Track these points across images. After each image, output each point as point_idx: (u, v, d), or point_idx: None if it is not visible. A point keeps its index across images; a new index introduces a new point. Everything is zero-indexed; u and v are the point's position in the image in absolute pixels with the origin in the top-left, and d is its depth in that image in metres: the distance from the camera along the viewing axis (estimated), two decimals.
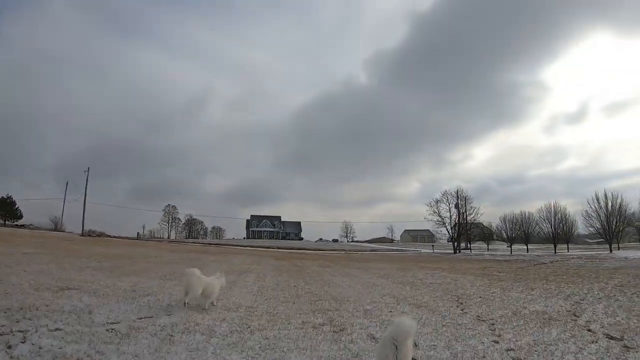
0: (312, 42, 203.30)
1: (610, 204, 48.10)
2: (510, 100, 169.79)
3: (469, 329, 6.86)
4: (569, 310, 8.56)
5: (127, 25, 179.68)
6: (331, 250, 67.68)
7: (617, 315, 7.89)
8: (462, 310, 8.72)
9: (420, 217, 72.56)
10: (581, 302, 9.77)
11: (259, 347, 5.51)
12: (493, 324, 7.22)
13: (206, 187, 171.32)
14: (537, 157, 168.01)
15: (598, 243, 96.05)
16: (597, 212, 49.19)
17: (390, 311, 8.40)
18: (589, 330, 6.80)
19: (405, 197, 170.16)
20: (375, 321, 7.35)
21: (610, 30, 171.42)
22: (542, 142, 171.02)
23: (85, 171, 78.20)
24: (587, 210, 51.57)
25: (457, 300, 10.07)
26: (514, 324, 7.28)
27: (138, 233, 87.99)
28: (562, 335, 6.43)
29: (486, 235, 77.50)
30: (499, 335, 6.39)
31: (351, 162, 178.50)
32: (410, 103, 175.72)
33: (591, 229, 52.63)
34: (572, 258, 34.25)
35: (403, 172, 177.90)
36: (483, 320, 7.55)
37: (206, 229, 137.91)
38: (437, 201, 69.33)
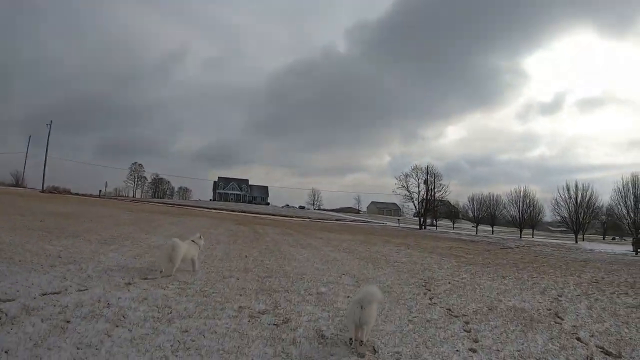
0: (294, 7, 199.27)
1: (580, 195, 48.63)
2: (488, 84, 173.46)
3: (440, 328, 5.61)
4: (550, 309, 7.50)
5: None
6: (296, 217, 66.69)
7: (605, 321, 6.86)
8: (430, 299, 7.51)
9: (389, 189, 72.51)
10: (559, 298, 8.81)
11: (170, 347, 4.08)
12: (467, 323, 6.00)
13: (176, 146, 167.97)
14: (509, 142, 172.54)
15: (561, 231, 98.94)
16: (566, 202, 49.67)
17: (348, 296, 7.08)
18: (579, 339, 5.70)
19: (375, 169, 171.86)
20: (327, 310, 6.00)
21: (594, 29, 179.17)
22: (515, 128, 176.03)
23: (47, 124, 73.43)
24: (556, 199, 52.02)
25: (425, 286, 8.89)
26: (492, 324, 6.09)
27: (100, 191, 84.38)
28: (550, 346, 5.28)
29: (452, 213, 77.93)
30: (477, 341, 5.15)
31: (324, 131, 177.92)
32: (388, 76, 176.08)
33: (558, 217, 53.03)
34: (538, 245, 34.31)
35: (374, 144, 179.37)
36: (455, 316, 6.33)
37: (173, 189, 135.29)
38: (406, 175, 68.98)
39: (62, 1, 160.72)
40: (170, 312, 5.22)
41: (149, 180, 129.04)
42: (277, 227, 29.42)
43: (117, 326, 4.51)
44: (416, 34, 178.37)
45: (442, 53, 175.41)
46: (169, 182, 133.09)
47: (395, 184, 69.32)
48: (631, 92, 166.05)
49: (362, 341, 4.36)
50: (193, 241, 8.11)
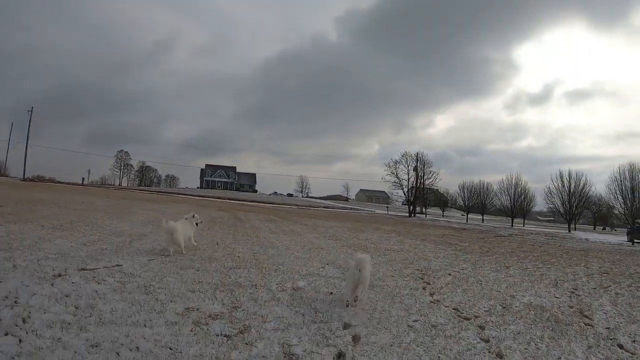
0: None
1: (573, 184, 47.65)
2: (478, 74, 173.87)
3: (450, 337, 4.27)
4: (571, 307, 6.28)
5: None
6: (284, 204, 65.22)
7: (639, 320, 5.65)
8: (431, 295, 6.18)
9: (377, 178, 71.01)
10: (576, 292, 7.63)
11: None
12: (483, 328, 4.69)
13: (165, 134, 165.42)
14: (497, 133, 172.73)
15: (548, 221, 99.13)
16: (560, 191, 48.64)
17: (331, 292, 5.74)
18: (621, 346, 4.53)
19: (364, 158, 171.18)
20: (303, 313, 4.61)
21: (584, 21, 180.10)
22: (503, 119, 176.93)
23: (28, 111, 70.22)
24: (549, 187, 50.98)
25: (422, 279, 7.57)
26: (513, 328, 4.79)
27: (83, 179, 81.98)
28: (593, 358, 4.02)
29: (442, 201, 77.09)
30: (501, 357, 3.84)
31: (313, 119, 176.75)
32: (378, 65, 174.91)
33: (551, 206, 52.07)
34: (531, 233, 33.38)
35: (364, 133, 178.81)
36: (466, 319, 5.01)
37: (160, 177, 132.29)
38: (396, 162, 66.93)
39: None
40: (90, 315, 3.88)
41: (135, 168, 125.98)
42: (261, 213, 28.00)
43: (6, 334, 3.24)
44: (406, 24, 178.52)
45: (432, 43, 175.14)
46: (156, 170, 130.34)
47: (385, 170, 67.70)
48: (619, 84, 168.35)
49: (357, 297, 4.99)
50: (186, 219, 8.15)
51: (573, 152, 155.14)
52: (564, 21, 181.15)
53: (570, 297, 7.12)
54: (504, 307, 5.87)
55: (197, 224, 8.45)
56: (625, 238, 33.94)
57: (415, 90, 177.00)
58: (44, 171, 72.59)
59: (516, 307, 5.98)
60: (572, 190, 47.30)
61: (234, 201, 57.28)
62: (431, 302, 5.75)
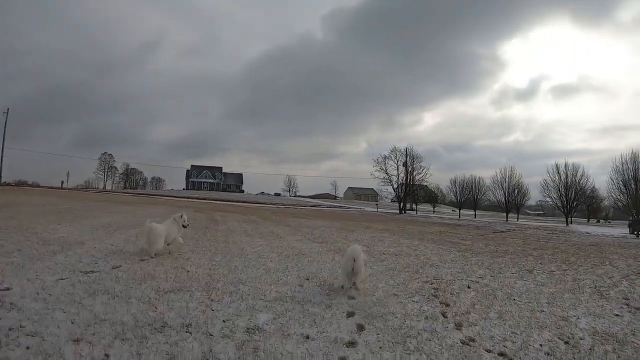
0: None
1: (570, 176, 45.98)
2: (465, 71, 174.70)
3: None
4: None
5: None
6: (270, 204, 62.85)
7: None
8: (458, 328, 4.18)
9: (366, 176, 68.84)
10: (629, 302, 5.80)
11: None
12: None
13: (152, 135, 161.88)
14: (485, 128, 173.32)
15: (538, 214, 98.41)
16: (557, 183, 46.83)
17: (308, 337, 3.72)
18: None
19: (352, 156, 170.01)
20: None
21: (570, 17, 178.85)
22: (491, 115, 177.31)
23: (4, 112, 66.69)
24: (545, 180, 49.21)
25: (437, 296, 5.59)
26: None
27: (62, 182, 79.36)
28: None
29: (432, 197, 75.42)
30: None
31: (301, 118, 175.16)
32: (365, 63, 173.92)
33: (548, 199, 50.32)
34: (529, 228, 31.76)
35: (352, 131, 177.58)
36: None
37: (146, 179, 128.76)
38: (385, 158, 64.57)
39: None
40: None
41: (120, 170, 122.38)
42: (243, 214, 25.82)
43: None
44: (393, 21, 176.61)
45: (420, 40, 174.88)
46: (141, 172, 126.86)
47: (374, 167, 64.97)
48: (605, 79, 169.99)
49: (355, 283, 5.53)
50: (174, 220, 7.90)
51: (560, 146, 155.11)
52: (550, 17, 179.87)
53: (633, 313, 5.26)
54: (567, 342, 3.94)
55: (184, 226, 8.08)
56: (626, 230, 32.48)
57: (402, 88, 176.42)
58: (27, 175, 69.39)
59: (581, 339, 4.08)
60: (569, 182, 45.80)
61: (217, 202, 54.79)
62: (463, 342, 3.75)
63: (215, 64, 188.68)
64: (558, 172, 46.30)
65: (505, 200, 55.08)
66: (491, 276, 7.60)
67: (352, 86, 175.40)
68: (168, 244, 7.59)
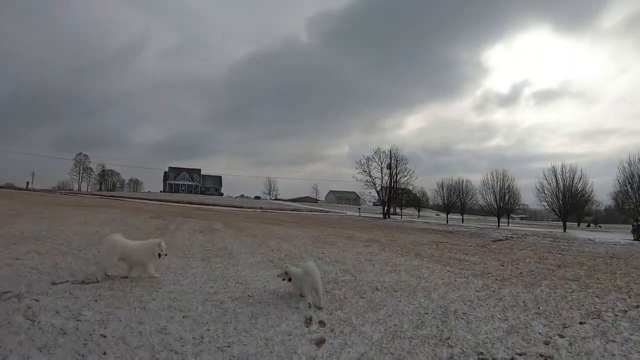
0: None
1: (567, 179, 42.92)
2: (448, 75, 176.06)
3: None
4: None
5: None
6: (247, 207, 59.07)
7: None
8: None
9: (347, 179, 65.22)
10: None
11: None
12: None
13: (133, 137, 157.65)
14: (466, 133, 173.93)
15: (521, 218, 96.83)
16: (554, 187, 43.82)
17: None
18: None
19: (334, 159, 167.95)
20: None
21: (551, 25, 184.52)
22: (472, 119, 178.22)
23: None
24: (541, 183, 46.09)
25: None
26: None
27: (27, 182, 74.86)
28: None
29: (418, 201, 72.45)
30: None
31: (284, 121, 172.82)
32: (349, 66, 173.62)
33: (544, 204, 47.25)
34: (527, 235, 28.89)
35: (334, 134, 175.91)
36: None
37: (123, 181, 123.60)
38: (368, 159, 60.48)
39: None
40: None
41: (96, 172, 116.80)
42: (208, 219, 22.35)
43: None
44: (378, 25, 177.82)
45: (403, 44, 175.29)
46: (118, 174, 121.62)
47: (356, 169, 60.74)
48: (586, 85, 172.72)
49: (320, 308, 5.21)
50: (150, 245, 6.14)
51: (542, 150, 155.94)
52: (533, 25, 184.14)
53: None
54: None
55: (159, 255, 6.13)
56: (628, 236, 30.07)
57: (385, 91, 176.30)
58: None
59: None
60: (567, 185, 43.11)
61: (190, 205, 50.94)
62: None
63: (199, 65, 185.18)
64: (555, 175, 43.58)
65: (497, 205, 52.06)
66: (559, 335, 4.46)
67: (335, 89, 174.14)
68: (130, 267, 6.10)
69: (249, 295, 5.42)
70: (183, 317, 4.35)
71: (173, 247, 9.51)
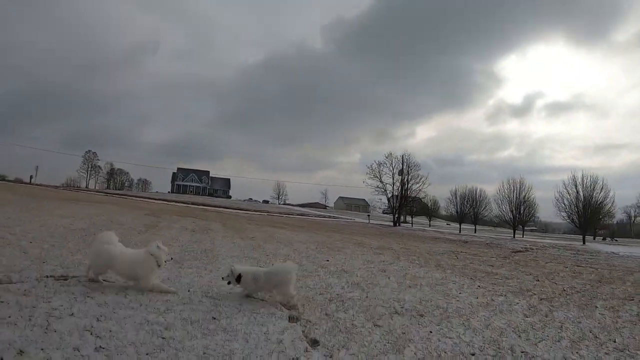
0: (270, 1, 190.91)
1: (588, 189, 40.69)
2: (460, 85, 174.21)
3: None
4: None
5: None
6: (253, 210, 57.49)
7: None
8: None
9: (358, 185, 63.21)
10: None
11: None
12: None
13: (141, 138, 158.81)
14: (479, 143, 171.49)
15: (531, 230, 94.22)
16: (574, 198, 41.58)
17: None
18: None
19: (345, 167, 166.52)
20: None
21: (565, 37, 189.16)
22: (484, 129, 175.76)
23: None
24: (561, 194, 43.84)
25: None
26: None
27: (31, 177, 74.61)
28: None
29: (430, 209, 70.24)
30: None
31: (294, 127, 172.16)
32: (362, 75, 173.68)
33: (564, 214, 44.91)
34: (546, 247, 26.99)
35: (345, 142, 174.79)
36: None
37: (132, 180, 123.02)
38: (379, 164, 58.47)
39: None
40: None
41: (104, 170, 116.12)
42: (206, 220, 20.86)
43: None
44: (391, 33, 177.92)
45: (417, 53, 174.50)
46: (127, 173, 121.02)
47: (367, 173, 59.13)
48: (598, 98, 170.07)
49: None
50: (149, 252, 4.58)
51: (552, 162, 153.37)
52: (546, 36, 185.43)
53: None
54: None
55: (159, 265, 4.57)
56: None
57: (397, 100, 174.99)
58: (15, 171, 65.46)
59: None
60: (587, 196, 40.76)
61: (194, 205, 49.57)
62: None
63: (209, 68, 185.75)
64: (575, 185, 41.29)
65: (513, 215, 49.62)
66: None
67: (347, 97, 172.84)
68: (127, 279, 4.68)
69: (213, 317, 3.81)
70: (96, 348, 2.80)
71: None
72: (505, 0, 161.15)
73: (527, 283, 8.61)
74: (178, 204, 47.50)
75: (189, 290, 4.76)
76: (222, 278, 4.82)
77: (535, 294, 7.21)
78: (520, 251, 21.50)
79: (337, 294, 5.48)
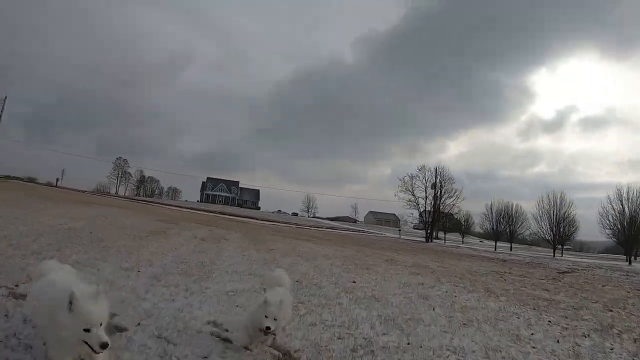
0: (304, 14, 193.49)
1: (632, 204, 37.49)
2: (492, 100, 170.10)
3: None
4: None
5: None
6: (281, 222, 56.03)
7: None
8: None
9: (389, 199, 60.75)
10: None
11: None
12: None
13: (175, 149, 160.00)
14: (511, 159, 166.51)
15: (567, 249, 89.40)
16: (620, 213, 38.18)
17: None
18: None
19: (375, 181, 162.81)
20: None
21: (597, 51, 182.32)
22: (516, 145, 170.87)
23: (2, 100, 62.40)
24: (605, 209, 41.01)
25: None
26: None
27: (57, 179, 75.83)
28: None
29: (463, 225, 67.10)
30: None
31: (325, 140, 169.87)
32: (393, 89, 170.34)
33: (609, 231, 40.89)
34: (592, 267, 24.37)
35: (376, 156, 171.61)
36: None
37: (162, 188, 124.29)
38: (412, 177, 56.05)
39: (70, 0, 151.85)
40: None
41: (135, 177, 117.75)
42: (227, 229, 19.53)
43: None
44: (422, 48, 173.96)
45: (448, 68, 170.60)
46: (158, 181, 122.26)
47: (399, 186, 56.65)
48: (633, 112, 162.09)
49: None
50: None
51: (585, 179, 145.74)
52: (577, 50, 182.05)
53: None
54: None
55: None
56: None
57: (428, 115, 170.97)
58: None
59: None
60: (631, 212, 37.43)
61: (220, 215, 48.62)
62: None
63: (241, 81, 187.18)
64: (620, 200, 37.78)
65: (553, 233, 46.20)
66: None
67: (378, 110, 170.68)
68: None
69: None
70: None
71: (134, 255, 6.57)
72: (536, 14, 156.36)
73: (600, 314, 6.88)
74: (207, 214, 46.59)
75: (138, 324, 3.28)
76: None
77: (622, 332, 5.52)
78: (566, 272, 19.30)
79: (365, 338, 3.88)
